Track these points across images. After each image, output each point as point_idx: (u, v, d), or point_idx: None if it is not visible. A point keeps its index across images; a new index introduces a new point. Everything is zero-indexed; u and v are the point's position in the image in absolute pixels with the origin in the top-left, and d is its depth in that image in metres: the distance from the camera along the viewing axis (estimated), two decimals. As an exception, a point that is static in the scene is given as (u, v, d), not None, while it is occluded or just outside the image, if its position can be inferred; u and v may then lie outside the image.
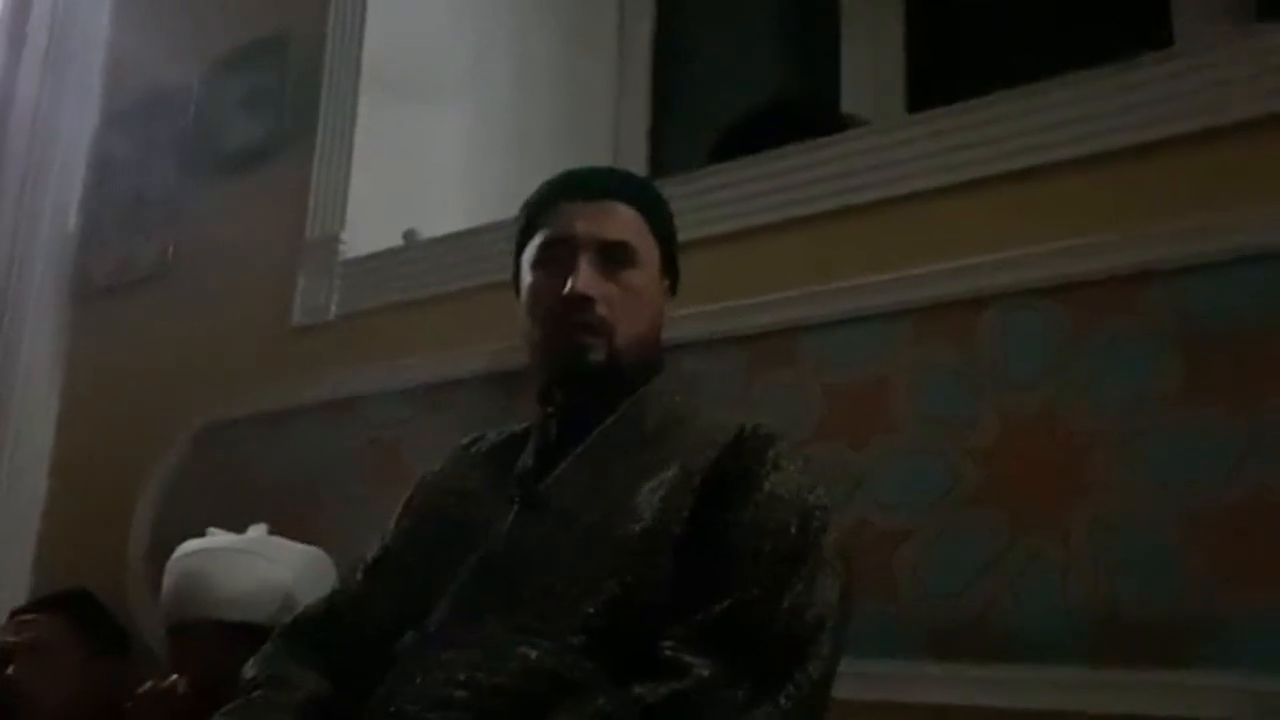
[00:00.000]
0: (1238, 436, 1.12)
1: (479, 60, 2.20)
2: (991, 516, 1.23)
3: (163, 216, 2.24)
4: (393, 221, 1.93)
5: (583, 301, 1.07)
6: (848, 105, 1.99)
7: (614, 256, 1.11)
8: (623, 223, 1.13)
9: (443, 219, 1.92)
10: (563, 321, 1.09)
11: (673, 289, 1.22)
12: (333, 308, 1.90)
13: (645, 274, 1.13)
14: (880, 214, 1.41)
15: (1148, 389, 1.18)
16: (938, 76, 1.95)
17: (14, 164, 2.43)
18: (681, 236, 1.29)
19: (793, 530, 0.98)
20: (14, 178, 2.42)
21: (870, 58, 2.02)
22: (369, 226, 1.93)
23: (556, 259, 1.11)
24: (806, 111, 1.72)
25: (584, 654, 0.96)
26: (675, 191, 1.50)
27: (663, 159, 2.28)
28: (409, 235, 1.92)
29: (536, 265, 1.14)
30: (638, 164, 2.27)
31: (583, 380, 1.10)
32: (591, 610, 0.97)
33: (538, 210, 1.17)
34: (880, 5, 2.05)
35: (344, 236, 1.92)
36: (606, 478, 1.05)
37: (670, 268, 1.20)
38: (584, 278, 1.08)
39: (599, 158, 2.28)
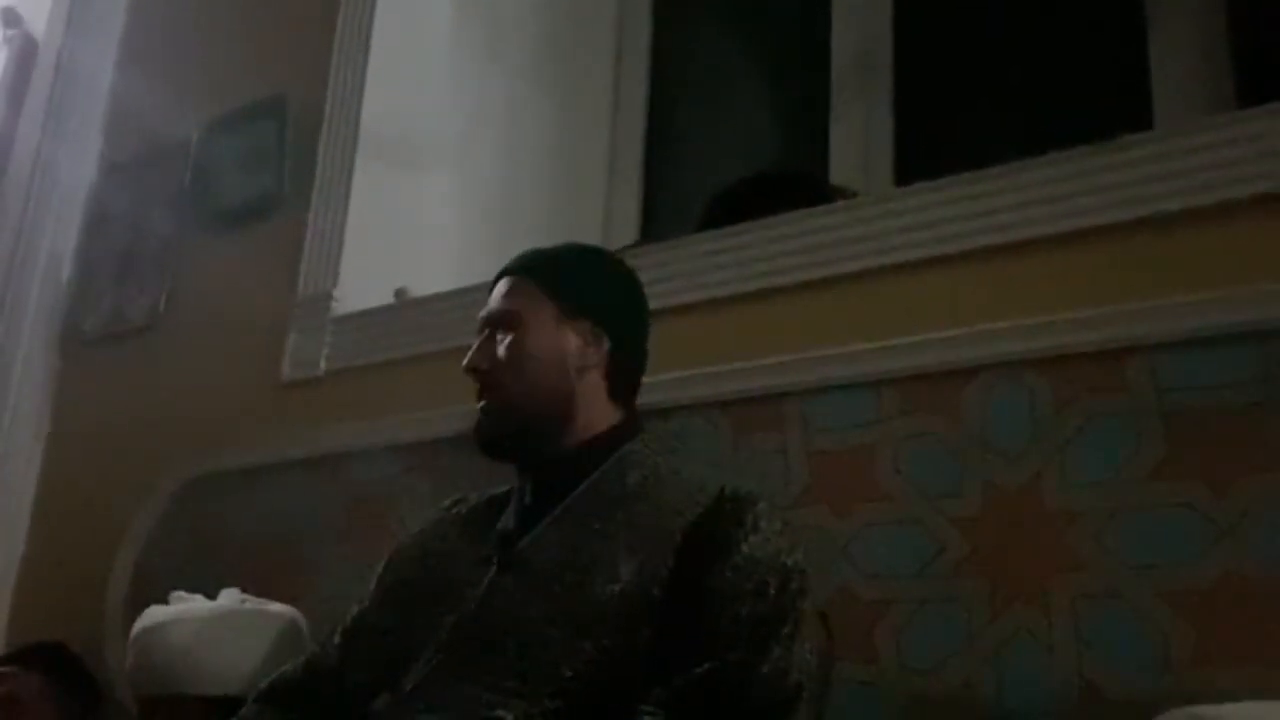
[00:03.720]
0: (1215, 514, 1.13)
1: (472, 129, 2.24)
2: (974, 588, 1.23)
3: (156, 269, 2.25)
4: (384, 280, 1.95)
5: (470, 374, 1.18)
6: (837, 177, 2.02)
7: (499, 326, 1.19)
8: (506, 293, 1.21)
9: (433, 279, 1.94)
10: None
11: (609, 331, 1.19)
12: (322, 363, 1.91)
13: (527, 328, 1.17)
14: (868, 284, 1.43)
15: (1129, 464, 1.19)
16: (925, 152, 1.98)
17: (11, 211, 2.45)
18: (670, 301, 1.31)
19: (771, 592, 0.98)
20: (10, 225, 2.43)
21: (859, 132, 2.05)
22: (361, 284, 1.95)
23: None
24: (797, 182, 1.75)
25: (560, 717, 0.95)
26: (665, 257, 1.53)
27: (654, 229, 2.30)
28: (400, 294, 1.93)
29: None
30: (629, 235, 2.29)
31: (494, 442, 1.18)
32: (569, 673, 0.96)
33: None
34: (870, 81, 2.09)
35: (336, 293, 1.93)
36: (585, 539, 1.05)
37: (584, 311, 1.19)
38: (470, 353, 1.19)
39: (589, 227, 2.31)
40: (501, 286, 1.22)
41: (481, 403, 1.18)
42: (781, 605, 0.98)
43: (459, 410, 1.66)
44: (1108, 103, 1.85)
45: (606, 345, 1.19)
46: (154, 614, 1.54)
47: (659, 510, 1.06)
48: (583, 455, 1.14)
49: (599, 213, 2.38)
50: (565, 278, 1.22)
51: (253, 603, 1.56)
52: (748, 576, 0.98)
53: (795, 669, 0.95)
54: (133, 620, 1.57)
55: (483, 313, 1.21)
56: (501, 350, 1.17)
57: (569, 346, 1.19)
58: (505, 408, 1.16)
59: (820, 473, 1.37)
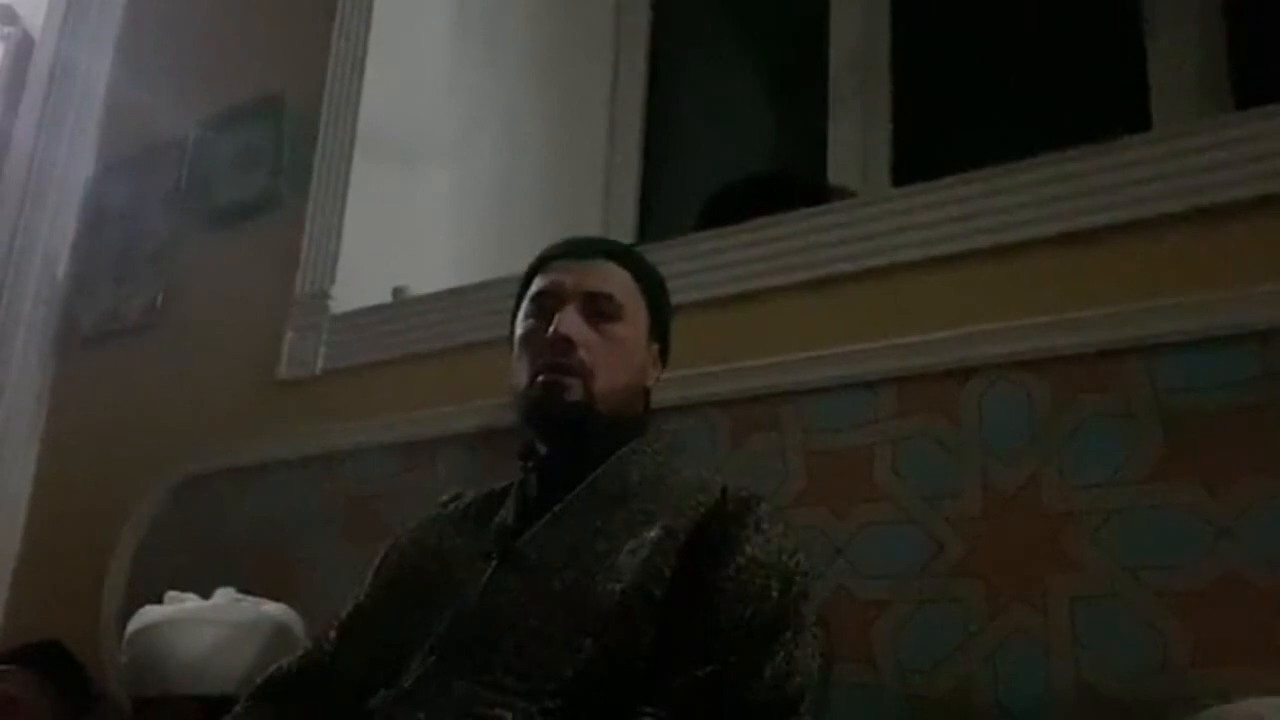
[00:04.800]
0: (1212, 515, 1.13)
1: (470, 127, 2.24)
2: (972, 588, 1.23)
3: (153, 267, 2.24)
4: (382, 279, 1.94)
5: (564, 343, 1.09)
6: (834, 177, 2.02)
7: (599, 308, 1.13)
8: (610, 278, 1.16)
9: (431, 278, 1.94)
10: (544, 364, 1.10)
11: (664, 358, 1.24)
12: (319, 362, 1.90)
13: (629, 328, 1.15)
14: (865, 284, 1.43)
15: (1128, 464, 1.19)
16: (923, 152, 1.98)
17: (7, 210, 2.44)
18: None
19: (774, 595, 0.98)
20: (6, 223, 2.43)
21: (857, 132, 2.06)
22: (358, 283, 1.94)
23: (544, 309, 1.14)
24: (794, 182, 1.75)
25: (561, 717, 0.95)
26: (663, 256, 1.52)
27: (652, 229, 2.30)
28: (398, 292, 1.93)
29: (527, 316, 1.17)
30: (627, 234, 2.29)
31: (560, 421, 1.10)
32: (570, 672, 0.96)
33: (535, 269, 1.21)
34: (868, 81, 2.09)
35: (333, 292, 1.93)
36: (586, 536, 1.05)
37: (660, 336, 1.22)
38: (566, 321, 1.10)
39: (588, 224, 2.30)
40: (603, 266, 1.16)
41: (546, 376, 1.09)
42: (784, 608, 0.98)
43: (455, 409, 1.67)
44: (1106, 104, 1.85)
45: (658, 374, 1.20)
46: (148, 613, 1.54)
47: (662, 509, 1.05)
48: (588, 453, 1.13)
49: (597, 212, 2.38)
50: (662, 298, 1.22)
51: (248, 602, 1.55)
52: (750, 578, 0.98)
53: (798, 672, 0.95)
54: (128, 619, 1.57)
55: (573, 284, 1.14)
56: (601, 335, 1.11)
57: (649, 365, 1.20)
58: (591, 395, 1.09)
59: (818, 473, 1.37)
